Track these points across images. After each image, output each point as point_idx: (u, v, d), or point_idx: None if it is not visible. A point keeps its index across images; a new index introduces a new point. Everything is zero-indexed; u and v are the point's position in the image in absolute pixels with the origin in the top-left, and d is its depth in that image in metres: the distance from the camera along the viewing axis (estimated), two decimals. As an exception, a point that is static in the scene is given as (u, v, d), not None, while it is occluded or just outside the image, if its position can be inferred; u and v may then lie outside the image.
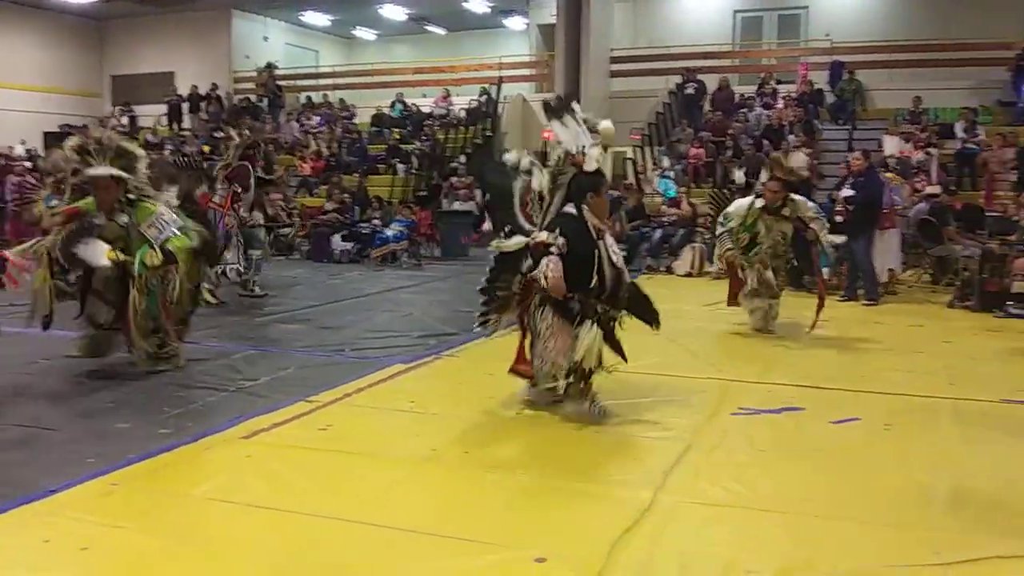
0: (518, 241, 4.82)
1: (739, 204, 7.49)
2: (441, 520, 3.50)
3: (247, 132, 9.77)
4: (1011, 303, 8.59)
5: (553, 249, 4.59)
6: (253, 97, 22.45)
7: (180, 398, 5.31)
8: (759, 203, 7.28)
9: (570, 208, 4.80)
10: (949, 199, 11.57)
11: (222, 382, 5.68)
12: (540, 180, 4.94)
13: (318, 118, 20.81)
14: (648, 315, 5.14)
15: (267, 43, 24.29)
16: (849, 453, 4.44)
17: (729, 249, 7.43)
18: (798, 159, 7.68)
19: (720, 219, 7.63)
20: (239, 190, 9.19)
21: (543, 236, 4.65)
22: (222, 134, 10.98)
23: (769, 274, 7.34)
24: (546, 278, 4.59)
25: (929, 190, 11.55)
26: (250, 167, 9.29)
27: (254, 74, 23.16)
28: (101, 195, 5.72)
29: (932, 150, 14.26)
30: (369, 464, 4.23)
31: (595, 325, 4.74)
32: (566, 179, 4.86)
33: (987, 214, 11.59)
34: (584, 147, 4.81)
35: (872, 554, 3.22)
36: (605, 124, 4.99)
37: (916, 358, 6.66)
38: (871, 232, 9.23)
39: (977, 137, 14.98)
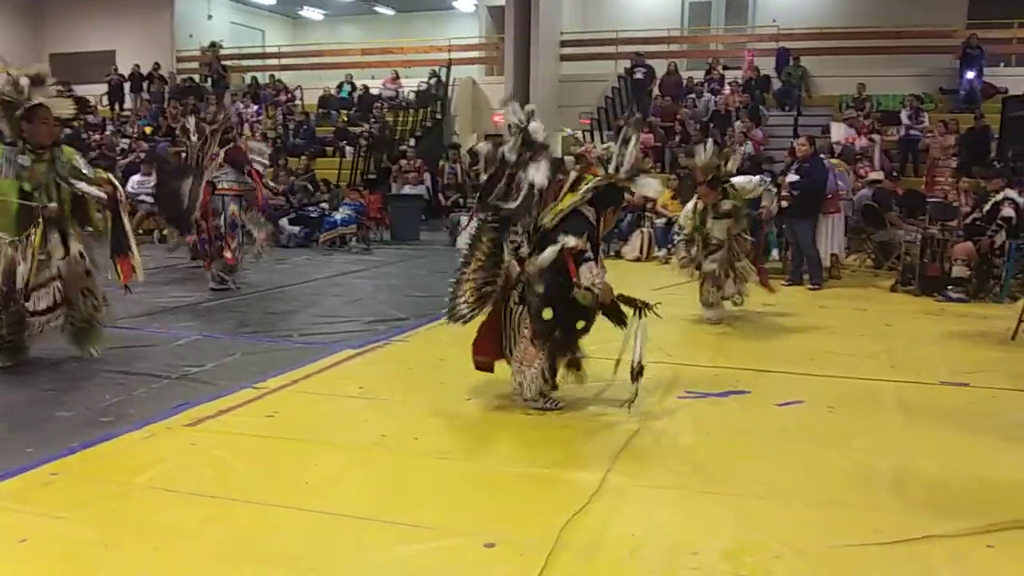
0: (553, 250, 4.53)
1: (685, 211, 7.56)
2: (390, 507, 3.48)
3: (219, 115, 9.51)
4: (951, 287, 8.79)
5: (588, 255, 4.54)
6: (197, 77, 22.01)
7: (122, 386, 5.19)
8: (700, 204, 7.34)
9: (588, 212, 4.69)
10: (892, 185, 11.79)
11: (166, 369, 5.57)
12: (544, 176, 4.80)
13: (256, 106, 20.28)
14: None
15: (211, 22, 23.84)
16: (794, 435, 4.51)
17: (683, 257, 7.49)
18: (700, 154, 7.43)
19: (675, 229, 7.71)
20: (259, 170, 9.13)
21: (574, 242, 4.51)
22: (180, 124, 10.74)
23: (713, 269, 7.28)
24: (595, 286, 4.54)
25: (872, 176, 11.76)
26: (242, 147, 9.14)
27: (198, 53, 22.71)
28: (41, 129, 5.46)
29: (875, 136, 14.53)
30: (317, 451, 4.18)
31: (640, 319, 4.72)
32: (589, 186, 4.72)
33: (928, 200, 11.84)
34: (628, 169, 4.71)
35: (817, 534, 3.27)
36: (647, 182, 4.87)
37: (859, 341, 6.79)
38: (815, 217, 9.36)
39: (922, 124, 15.30)
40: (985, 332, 7.19)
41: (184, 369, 5.59)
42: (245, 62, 23.58)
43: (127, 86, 21.60)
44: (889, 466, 4.02)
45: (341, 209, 13.78)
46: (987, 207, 8.94)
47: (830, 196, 9.58)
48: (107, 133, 18.99)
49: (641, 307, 4.78)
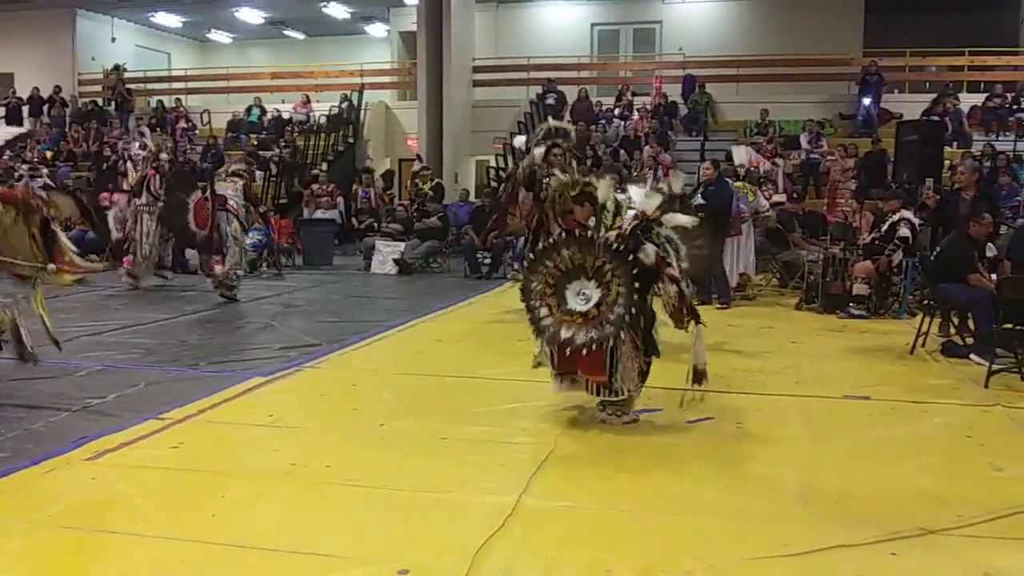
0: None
1: None
2: (301, 537, 3.41)
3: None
4: (852, 304, 9.09)
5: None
6: (100, 101, 21.41)
7: (19, 419, 4.96)
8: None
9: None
10: (794, 206, 12.16)
11: (66, 401, 5.35)
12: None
13: (136, 144, 19.61)
14: None
15: (115, 44, 23.23)
16: (704, 452, 4.59)
17: None
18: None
19: None
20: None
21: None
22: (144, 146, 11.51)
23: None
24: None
25: (776, 199, 12.11)
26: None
27: (101, 76, 22.10)
28: None
29: (779, 160, 14.99)
30: (224, 482, 4.07)
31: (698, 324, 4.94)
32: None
33: (829, 221, 12.24)
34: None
35: (727, 549, 3.33)
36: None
37: (766, 358, 6.96)
38: (722, 238, 9.58)
39: (821, 148, 15.86)
40: (885, 347, 7.46)
41: (85, 401, 5.38)
42: (150, 85, 23.04)
43: (26, 110, 20.84)
44: (795, 479, 4.12)
45: (251, 234, 13.50)
46: (884, 227, 9.29)
47: (731, 219, 9.80)
48: (5, 158, 18.23)
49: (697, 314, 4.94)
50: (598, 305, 4.76)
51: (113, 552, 3.28)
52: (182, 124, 20.00)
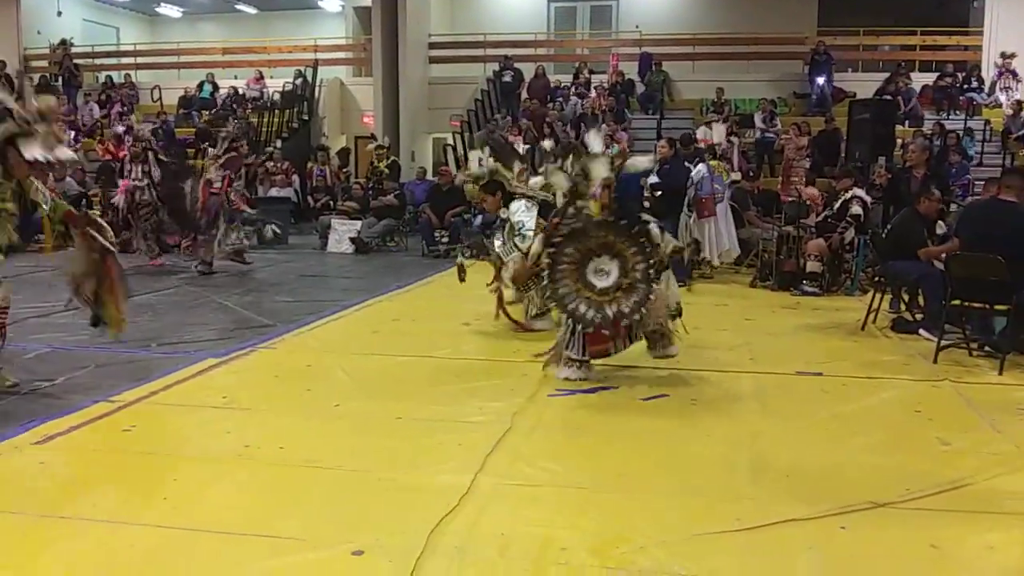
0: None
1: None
2: (255, 519, 3.37)
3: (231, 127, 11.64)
4: (805, 282, 9.20)
5: None
6: (48, 75, 20.86)
7: (-38, 403, 4.86)
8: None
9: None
10: (750, 185, 12.26)
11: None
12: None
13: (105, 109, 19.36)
14: None
15: (61, 18, 22.61)
16: (658, 429, 4.62)
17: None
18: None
19: None
20: (233, 177, 10.67)
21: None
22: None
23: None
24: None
25: (732, 177, 12.18)
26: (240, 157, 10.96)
27: (47, 51, 21.53)
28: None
29: (734, 139, 15.08)
30: (176, 465, 4.02)
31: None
32: None
33: (783, 199, 12.36)
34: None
35: (680, 524, 3.36)
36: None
37: (721, 335, 7.02)
38: (677, 216, 9.61)
39: (775, 127, 15.99)
40: (837, 323, 7.56)
41: (34, 384, 5.26)
42: (99, 61, 22.51)
43: (-32, 85, 20.28)
44: (748, 455, 4.17)
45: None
46: (837, 205, 9.39)
47: (705, 199, 9.79)
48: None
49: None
50: (622, 274, 5.21)
51: (62, 537, 3.22)
52: (117, 108, 19.51)
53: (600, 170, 5.42)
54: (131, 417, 4.67)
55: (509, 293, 7.02)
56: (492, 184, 6.99)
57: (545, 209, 6.50)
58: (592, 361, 5.52)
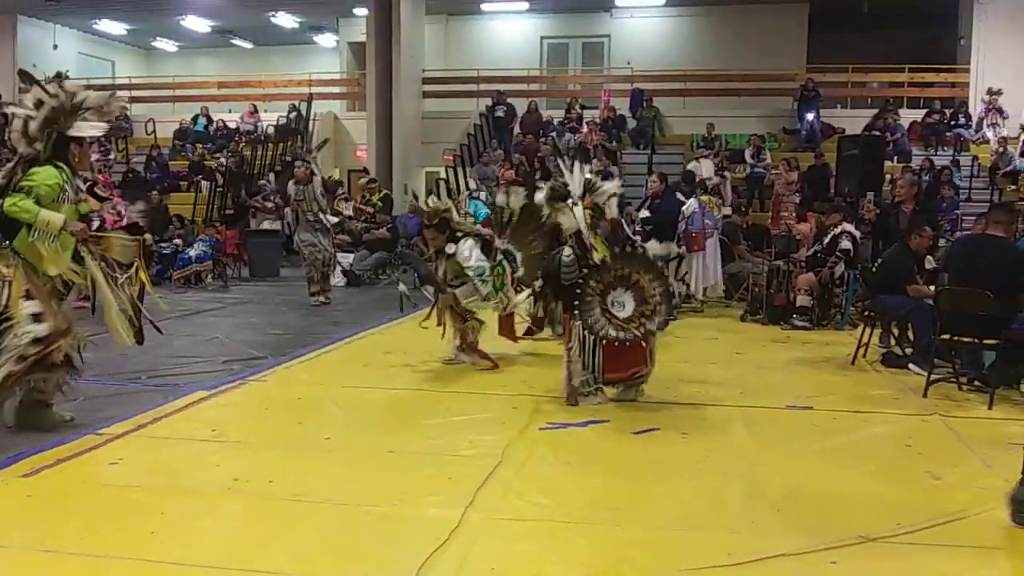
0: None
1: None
2: (243, 553, 3.35)
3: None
4: (795, 316, 9.24)
5: None
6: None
7: (-50, 436, 4.82)
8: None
9: None
10: (741, 219, 12.34)
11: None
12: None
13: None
14: None
15: (57, 51, 22.76)
16: (649, 463, 4.61)
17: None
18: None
19: None
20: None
21: None
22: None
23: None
24: None
25: (723, 211, 12.27)
26: None
27: (42, 84, 21.60)
28: (87, 156, 5.09)
29: (726, 174, 15.21)
30: (165, 498, 3.99)
31: None
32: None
33: (773, 233, 12.43)
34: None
35: (671, 558, 3.35)
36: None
37: (710, 369, 7.02)
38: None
39: (764, 162, 16.12)
40: (827, 357, 7.58)
41: (20, 416, 5.22)
42: (94, 94, 22.58)
43: (-38, 118, 20.31)
44: (739, 489, 4.16)
45: (196, 245, 13.31)
46: (827, 240, 9.46)
47: (695, 234, 9.85)
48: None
49: None
50: (639, 303, 5.65)
51: (46, 571, 3.19)
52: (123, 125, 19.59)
53: (570, 220, 5.85)
54: (119, 450, 4.64)
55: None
56: (442, 223, 6.96)
57: (487, 248, 6.81)
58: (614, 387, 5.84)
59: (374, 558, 3.31)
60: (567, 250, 5.79)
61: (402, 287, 7.26)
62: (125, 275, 5.05)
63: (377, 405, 5.83)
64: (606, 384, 5.74)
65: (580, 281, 5.64)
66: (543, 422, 5.28)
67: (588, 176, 6.09)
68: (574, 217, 5.84)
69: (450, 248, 6.79)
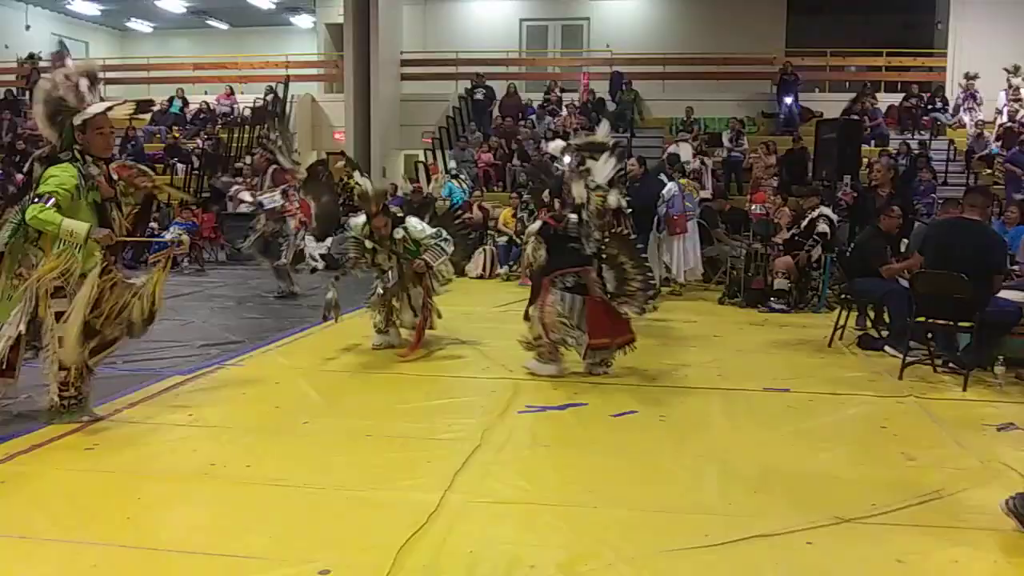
0: None
1: (355, 222, 7.12)
2: (220, 538, 3.33)
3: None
4: (773, 299, 9.28)
5: None
6: (14, 90, 20.65)
7: (-79, 421, 4.76)
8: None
9: None
10: (722, 203, 12.38)
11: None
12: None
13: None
14: None
15: (29, 32, 22.45)
16: (627, 445, 4.63)
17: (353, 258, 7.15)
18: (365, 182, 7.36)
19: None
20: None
21: None
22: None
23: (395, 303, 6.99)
24: None
25: (702, 195, 12.29)
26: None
27: (15, 65, 21.32)
28: (97, 140, 4.78)
29: (707, 160, 15.22)
30: (141, 483, 3.96)
31: None
32: None
33: (751, 217, 12.47)
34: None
35: (649, 540, 3.36)
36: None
37: (689, 352, 7.06)
38: (647, 234, 9.63)
39: (742, 146, 16.16)
40: (804, 340, 7.63)
41: (-5, 401, 5.17)
42: (67, 75, 22.28)
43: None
44: (716, 470, 4.18)
45: (172, 229, 13.16)
46: (804, 223, 9.50)
47: (676, 217, 9.86)
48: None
49: None
50: (619, 284, 5.88)
51: (20, 558, 3.16)
52: None
53: (581, 191, 5.98)
54: (95, 435, 4.60)
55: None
56: (385, 207, 6.93)
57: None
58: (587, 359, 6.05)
59: (353, 542, 3.31)
60: (572, 216, 5.98)
61: (331, 294, 7.15)
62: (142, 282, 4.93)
63: (356, 389, 5.82)
64: (592, 348, 5.96)
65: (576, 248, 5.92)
66: (522, 405, 5.29)
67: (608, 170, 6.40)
68: (585, 192, 5.99)
69: (398, 233, 6.78)
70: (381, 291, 7.00)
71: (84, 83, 4.78)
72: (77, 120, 4.69)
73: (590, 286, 5.86)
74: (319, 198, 9.04)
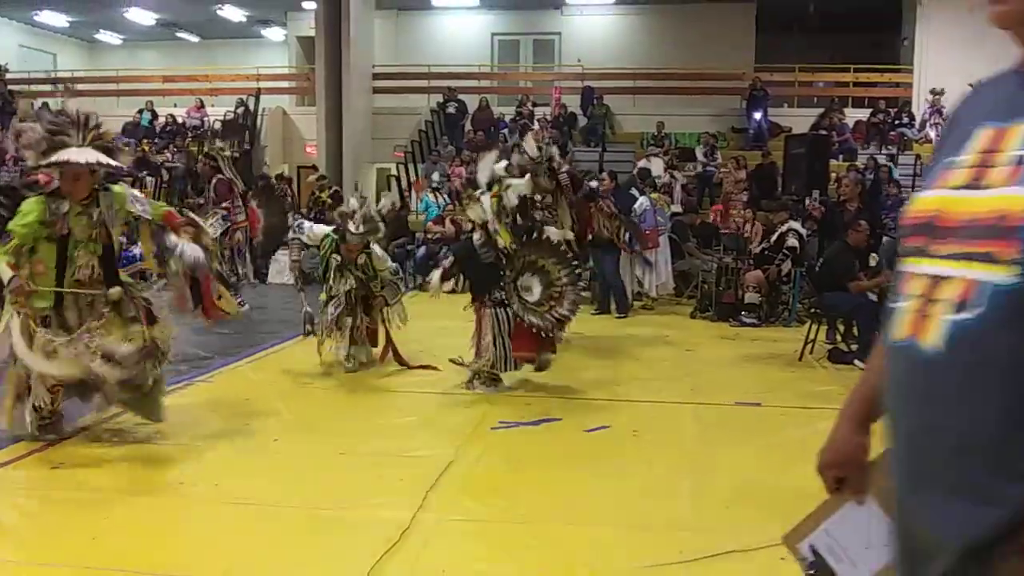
0: None
1: (315, 231, 7.12)
2: (186, 559, 3.29)
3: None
4: (744, 313, 9.34)
5: None
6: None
7: None
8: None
9: None
10: (694, 217, 12.45)
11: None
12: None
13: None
14: None
15: (-5, 43, 22.18)
16: (600, 460, 4.63)
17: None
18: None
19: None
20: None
21: None
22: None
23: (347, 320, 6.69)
24: None
25: (673, 209, 12.36)
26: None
27: (-20, 76, 21.04)
28: (65, 184, 4.68)
29: (676, 173, 15.32)
30: (106, 503, 3.89)
31: None
32: None
33: (721, 231, 12.55)
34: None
35: (622, 557, 3.35)
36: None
37: (662, 366, 7.08)
38: (619, 249, 9.65)
39: (716, 160, 16.29)
40: (775, 354, 7.67)
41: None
42: (35, 87, 22.03)
43: None
44: (689, 486, 4.19)
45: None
46: (774, 238, 9.57)
47: (648, 232, 9.90)
48: None
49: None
50: (545, 286, 5.79)
51: (-18, 582, 3.09)
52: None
53: (479, 212, 6.00)
54: (60, 454, 4.52)
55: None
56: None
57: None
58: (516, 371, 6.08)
59: (324, 562, 3.27)
60: (476, 235, 5.98)
61: (307, 308, 7.08)
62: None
63: (328, 406, 5.77)
64: (517, 360, 5.95)
65: (495, 263, 5.89)
66: (495, 421, 5.27)
67: (496, 168, 6.25)
68: (482, 209, 5.98)
69: (361, 258, 6.65)
70: (332, 313, 6.63)
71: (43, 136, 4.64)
72: (42, 161, 4.62)
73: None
74: (270, 211, 8.99)
